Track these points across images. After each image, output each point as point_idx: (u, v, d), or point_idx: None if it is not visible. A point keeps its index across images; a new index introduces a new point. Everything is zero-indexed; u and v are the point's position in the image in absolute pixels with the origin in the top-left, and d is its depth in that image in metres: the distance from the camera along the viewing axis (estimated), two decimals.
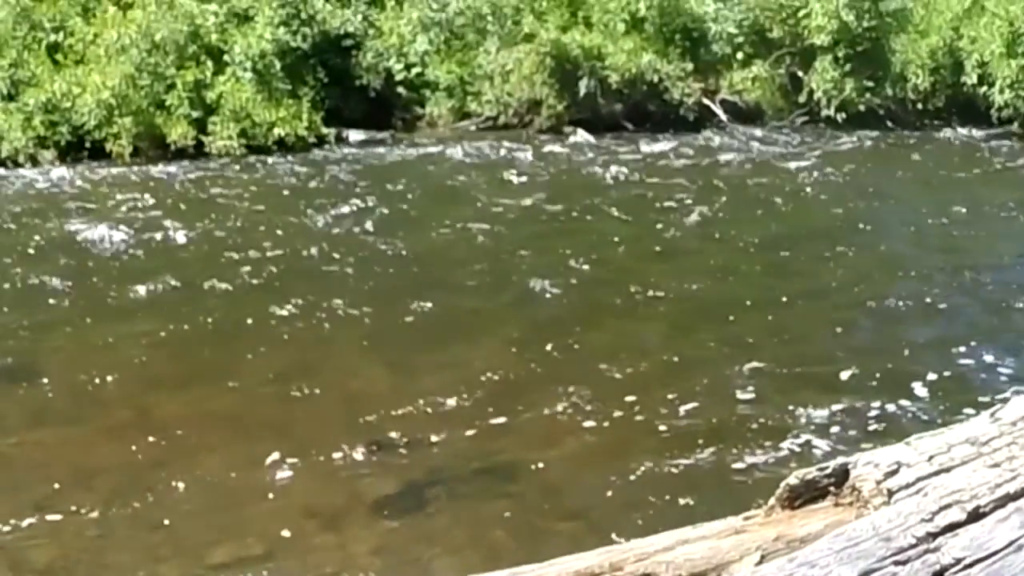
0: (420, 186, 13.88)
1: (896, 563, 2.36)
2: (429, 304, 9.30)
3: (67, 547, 5.85)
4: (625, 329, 8.87)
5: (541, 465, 6.63)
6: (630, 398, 7.31)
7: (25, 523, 5.99)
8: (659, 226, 11.73)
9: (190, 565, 5.70)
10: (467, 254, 10.85)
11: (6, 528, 5.95)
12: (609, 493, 6.22)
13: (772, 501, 2.85)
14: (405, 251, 10.88)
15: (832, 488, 2.78)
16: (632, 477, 6.37)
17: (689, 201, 12.66)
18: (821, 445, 6.62)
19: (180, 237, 11.40)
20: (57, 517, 6.06)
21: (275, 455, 6.60)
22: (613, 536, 5.46)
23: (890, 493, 2.64)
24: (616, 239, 11.38)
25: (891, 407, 7.13)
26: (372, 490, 6.33)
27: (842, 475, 2.79)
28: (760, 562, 2.39)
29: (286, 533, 5.91)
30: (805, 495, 2.76)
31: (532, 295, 9.60)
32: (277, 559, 5.70)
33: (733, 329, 8.65)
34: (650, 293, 9.53)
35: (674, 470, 6.44)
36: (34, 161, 15.80)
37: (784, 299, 9.36)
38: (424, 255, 10.80)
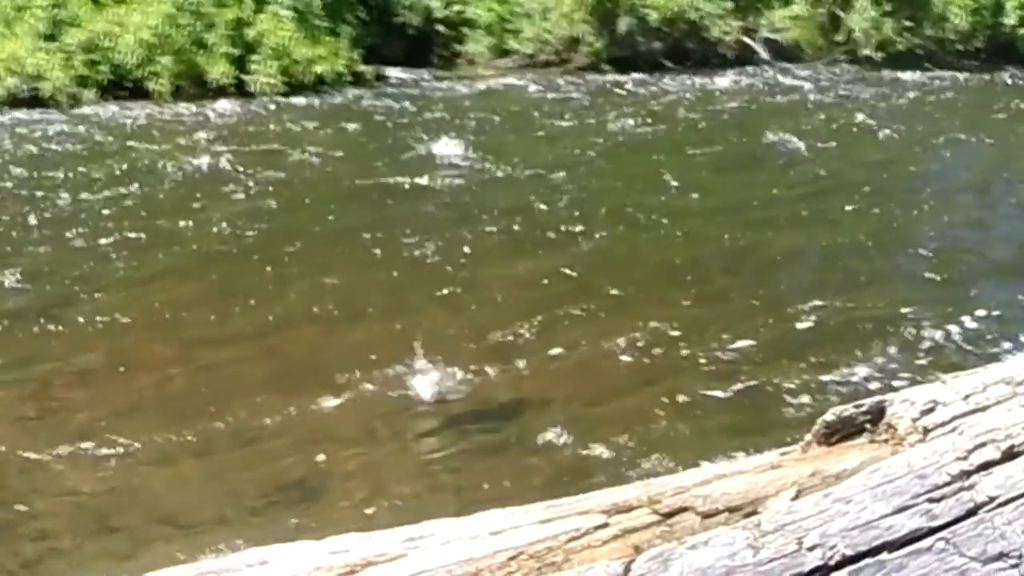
0: (460, 120, 13.83)
1: (930, 500, 2.38)
2: (468, 234, 9.28)
3: (105, 476, 5.90)
4: (662, 265, 8.82)
5: (581, 398, 6.63)
6: (673, 333, 7.28)
7: (65, 452, 6.05)
8: (703, 163, 11.63)
9: (226, 498, 5.74)
10: (506, 189, 10.80)
11: (46, 456, 5.99)
12: (644, 427, 6.22)
13: (808, 437, 2.86)
14: (439, 184, 10.84)
15: (868, 425, 2.79)
16: (669, 412, 6.36)
17: (730, 139, 12.56)
18: (863, 381, 6.57)
19: (224, 171, 11.39)
20: (96, 447, 6.10)
21: (313, 389, 6.61)
22: (647, 467, 5.52)
23: (925, 431, 2.65)
24: (656, 178, 11.30)
25: (936, 344, 7.05)
26: (411, 424, 6.36)
27: (878, 412, 2.80)
28: (796, 497, 2.41)
29: (321, 464, 5.95)
30: (841, 431, 2.77)
31: (578, 226, 9.56)
32: (311, 491, 5.74)
33: (773, 270, 8.60)
34: (691, 230, 9.46)
35: (710, 404, 6.42)
36: (75, 100, 15.82)
37: (827, 235, 9.28)
38: (456, 188, 10.74)
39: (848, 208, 10.10)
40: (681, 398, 6.54)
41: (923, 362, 6.84)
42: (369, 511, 5.49)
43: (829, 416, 2.75)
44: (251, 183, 10.89)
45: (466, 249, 9.12)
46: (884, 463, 2.44)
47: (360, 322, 7.77)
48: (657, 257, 8.98)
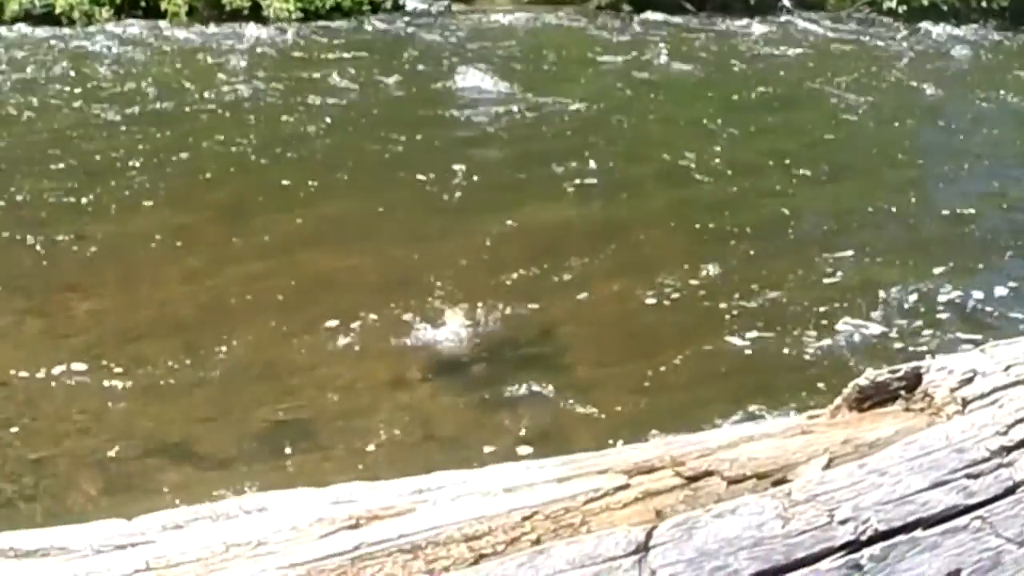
0: (479, 51, 13.62)
1: (968, 476, 2.26)
2: (491, 168, 9.14)
3: (104, 403, 5.79)
4: (689, 210, 8.65)
5: (600, 346, 6.53)
6: (699, 284, 7.16)
7: (65, 375, 5.96)
8: (732, 107, 11.43)
9: (232, 426, 5.65)
10: (532, 124, 10.61)
11: (46, 379, 5.90)
12: (668, 376, 6.10)
13: (839, 401, 2.75)
14: (462, 116, 10.68)
15: (903, 392, 2.67)
16: (694, 361, 6.25)
17: (758, 84, 12.35)
18: (895, 340, 6.45)
19: (238, 94, 11.24)
20: (97, 372, 6.00)
21: (325, 322, 6.50)
22: (666, 422, 5.41)
23: (964, 402, 2.53)
24: (683, 119, 11.10)
25: (976, 303, 6.93)
26: (422, 366, 6.23)
27: (914, 379, 2.68)
28: (828, 466, 2.29)
29: (328, 401, 5.86)
30: (875, 397, 2.66)
31: (605, 164, 9.42)
32: (315, 429, 5.64)
33: (802, 223, 8.43)
34: (721, 178, 9.29)
35: (738, 355, 6.31)
36: (88, 18, 15.62)
37: (860, 192, 9.11)
38: (479, 120, 10.58)
39: (880, 164, 9.91)
40: (706, 351, 6.40)
41: (956, 326, 6.68)
42: (373, 452, 5.38)
43: (863, 380, 2.63)
44: (263, 107, 10.74)
45: (488, 183, 8.95)
46: (921, 434, 2.33)
47: (375, 254, 7.64)
48: (685, 202, 8.77)
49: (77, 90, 11.04)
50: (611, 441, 4.99)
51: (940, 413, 2.51)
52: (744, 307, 6.90)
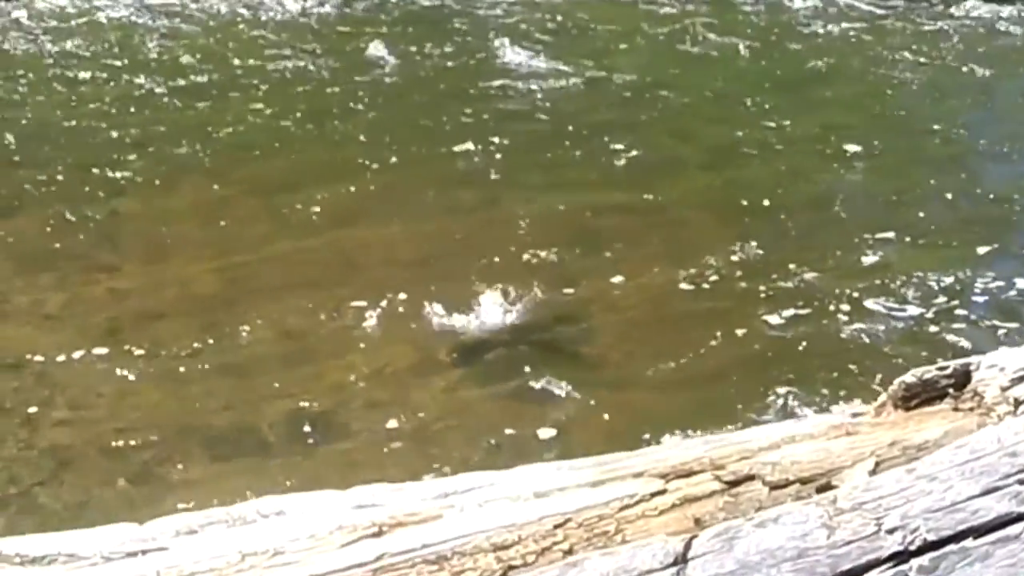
0: (524, 24, 13.38)
1: (1021, 481, 2.17)
2: (531, 142, 9.01)
3: (121, 386, 5.72)
4: (728, 188, 8.50)
5: (634, 329, 6.42)
6: (736, 263, 7.05)
7: (88, 356, 5.90)
8: (775, 80, 11.22)
9: (250, 412, 5.57)
10: (573, 98, 10.41)
11: (70, 360, 5.85)
12: (703, 363, 6.00)
13: (884, 398, 2.66)
14: (504, 87, 10.51)
15: (951, 390, 2.58)
16: (730, 347, 6.15)
17: (806, 61, 12.09)
18: (941, 327, 6.31)
19: (285, 68, 11.07)
20: (122, 355, 5.93)
21: (353, 302, 6.43)
22: (701, 409, 5.32)
23: (1016, 403, 2.44)
24: (724, 93, 10.87)
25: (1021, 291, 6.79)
26: (447, 346, 6.15)
27: (963, 377, 2.59)
28: (874, 470, 2.20)
29: (357, 385, 5.79)
30: (922, 395, 2.57)
31: (649, 137, 9.29)
32: (336, 420, 5.57)
33: (849, 200, 8.26)
34: (765, 152, 9.10)
35: (775, 341, 6.20)
36: None
37: (907, 172, 8.92)
38: (523, 93, 10.42)
39: (927, 142, 9.67)
40: (742, 336, 6.29)
41: (999, 313, 6.54)
42: (398, 442, 5.30)
43: (909, 378, 2.54)
44: (305, 80, 10.57)
45: (529, 159, 8.78)
46: (972, 438, 2.23)
47: (410, 232, 7.49)
48: (730, 181, 8.60)
49: (118, 63, 10.90)
50: (644, 435, 4.92)
51: (991, 413, 2.42)
52: (783, 289, 6.77)
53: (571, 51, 11.59)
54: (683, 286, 6.83)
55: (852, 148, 9.20)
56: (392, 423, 5.45)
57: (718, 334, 6.25)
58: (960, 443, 2.25)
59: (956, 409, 2.50)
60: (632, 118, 9.79)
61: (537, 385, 5.76)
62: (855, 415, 2.60)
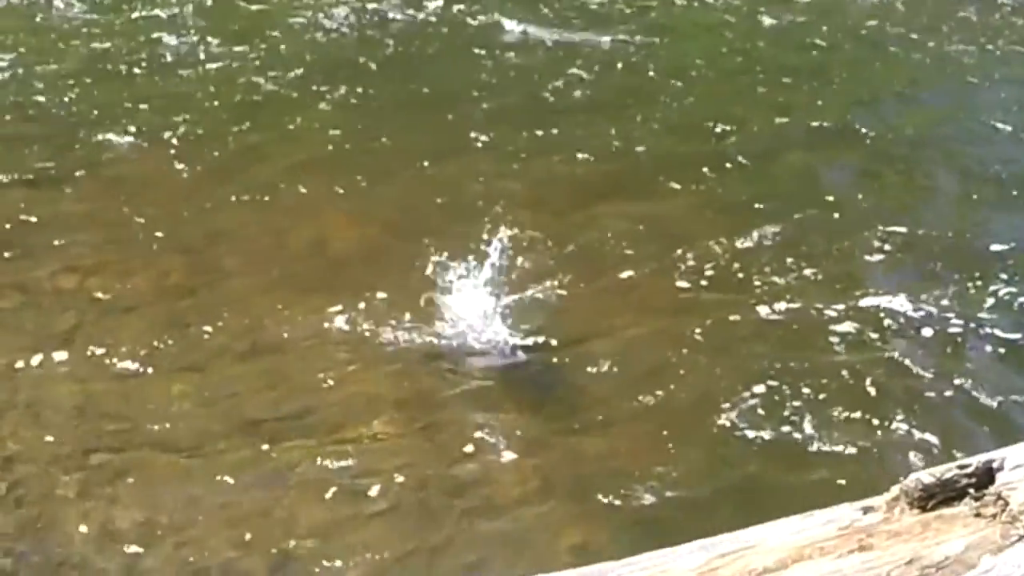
0: None
1: None
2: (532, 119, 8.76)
3: (90, 389, 5.57)
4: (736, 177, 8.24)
5: (623, 330, 6.25)
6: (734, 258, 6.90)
7: (49, 358, 5.72)
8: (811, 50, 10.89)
9: (221, 415, 5.44)
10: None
11: (30, 364, 5.68)
12: (691, 363, 5.90)
13: (896, 491, 2.49)
14: (497, 54, 10.21)
15: (972, 490, 2.40)
16: (719, 343, 6.06)
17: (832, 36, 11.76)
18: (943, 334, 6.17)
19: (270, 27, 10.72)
20: (83, 355, 5.77)
21: (325, 293, 6.29)
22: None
23: None
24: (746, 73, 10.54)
25: None
26: (426, 344, 5.96)
27: (985, 476, 2.42)
28: None
29: (327, 384, 5.65)
30: (939, 495, 2.39)
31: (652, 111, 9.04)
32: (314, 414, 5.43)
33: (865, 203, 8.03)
34: (785, 135, 8.84)
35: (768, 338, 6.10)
36: None
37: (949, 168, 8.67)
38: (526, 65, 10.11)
39: (975, 127, 9.31)
40: (734, 331, 6.19)
41: (1009, 324, 6.35)
42: (369, 445, 5.20)
43: (926, 477, 2.37)
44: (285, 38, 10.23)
45: (515, 132, 8.51)
46: (999, 560, 2.06)
47: (388, 214, 7.30)
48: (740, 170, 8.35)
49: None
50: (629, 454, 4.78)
51: (1016, 523, 2.25)
52: (778, 284, 6.60)
53: (574, 18, 11.23)
54: (681, 283, 6.66)
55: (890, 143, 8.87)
56: (363, 426, 5.36)
57: (709, 328, 6.13)
58: (986, 568, 2.08)
59: (978, 515, 2.33)
60: (636, 89, 9.45)
61: (515, 388, 5.68)
62: (867, 510, 2.43)
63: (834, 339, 6.16)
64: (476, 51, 9.92)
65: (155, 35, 9.80)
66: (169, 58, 9.43)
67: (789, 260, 6.87)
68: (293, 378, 5.72)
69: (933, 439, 5.37)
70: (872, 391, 5.71)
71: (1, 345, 5.83)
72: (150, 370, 5.69)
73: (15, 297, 6.27)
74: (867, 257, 7.06)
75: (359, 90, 8.94)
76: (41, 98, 8.48)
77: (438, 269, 6.36)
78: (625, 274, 6.70)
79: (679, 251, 6.88)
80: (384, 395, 5.62)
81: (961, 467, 2.37)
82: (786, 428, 5.41)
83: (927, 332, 6.27)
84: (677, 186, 7.78)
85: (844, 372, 5.87)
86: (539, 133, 8.39)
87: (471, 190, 7.59)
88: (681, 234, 7.14)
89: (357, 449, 5.21)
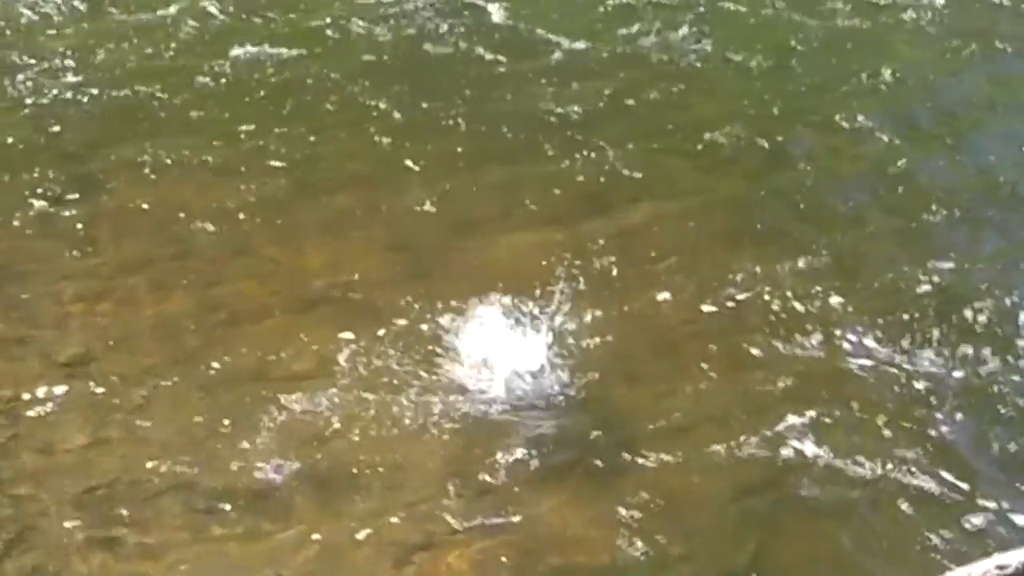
0: None
1: None
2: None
3: (88, 424, 5.52)
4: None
5: (627, 355, 6.19)
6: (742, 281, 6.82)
7: (44, 392, 5.67)
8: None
9: (226, 461, 5.35)
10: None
11: (22, 398, 5.63)
12: (703, 392, 5.86)
13: None
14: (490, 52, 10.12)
15: None
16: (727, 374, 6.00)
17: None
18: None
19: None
20: (81, 386, 5.74)
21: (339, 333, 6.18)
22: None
23: None
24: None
25: None
26: (445, 392, 5.86)
27: None
28: None
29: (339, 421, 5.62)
30: None
31: None
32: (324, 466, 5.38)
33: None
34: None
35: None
36: None
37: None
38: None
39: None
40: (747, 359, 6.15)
41: None
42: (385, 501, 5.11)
43: None
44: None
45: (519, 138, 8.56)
46: None
47: (387, 236, 7.25)
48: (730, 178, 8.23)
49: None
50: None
51: None
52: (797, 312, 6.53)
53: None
54: (689, 311, 6.58)
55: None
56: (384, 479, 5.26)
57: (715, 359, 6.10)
58: None
59: None
60: (635, 92, 9.37)
61: (514, 418, 5.63)
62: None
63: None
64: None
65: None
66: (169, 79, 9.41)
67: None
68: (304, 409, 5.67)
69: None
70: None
71: (5, 375, 5.80)
72: (160, 402, 5.65)
73: (20, 327, 6.26)
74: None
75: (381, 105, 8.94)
76: (50, 119, 8.49)
77: (456, 295, 6.38)
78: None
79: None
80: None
81: (1000, 567, 2.31)
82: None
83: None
84: None
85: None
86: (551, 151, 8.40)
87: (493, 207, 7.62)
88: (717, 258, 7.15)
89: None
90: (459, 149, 8.23)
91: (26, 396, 5.63)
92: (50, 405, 5.59)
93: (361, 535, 4.92)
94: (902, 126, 8.96)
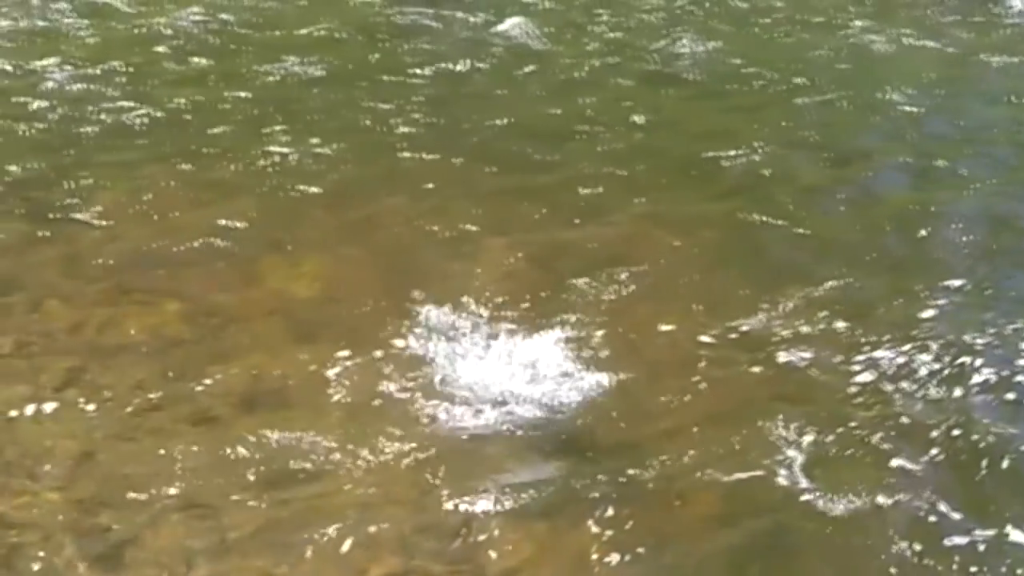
0: None
1: None
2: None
3: (79, 443, 5.42)
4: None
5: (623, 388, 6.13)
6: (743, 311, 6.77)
7: (36, 409, 5.62)
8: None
9: (218, 477, 5.27)
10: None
11: (24, 414, 5.57)
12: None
13: None
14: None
15: None
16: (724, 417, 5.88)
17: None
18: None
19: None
20: (74, 402, 5.68)
21: (331, 352, 6.13)
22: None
23: None
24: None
25: None
26: (422, 408, 5.81)
27: None
28: None
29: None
30: None
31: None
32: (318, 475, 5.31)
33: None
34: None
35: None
36: None
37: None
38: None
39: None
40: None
41: None
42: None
43: None
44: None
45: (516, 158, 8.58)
46: None
47: (375, 243, 7.26)
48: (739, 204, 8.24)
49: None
50: None
51: None
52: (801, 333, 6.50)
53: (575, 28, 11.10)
54: (688, 337, 6.52)
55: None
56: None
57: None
58: None
59: None
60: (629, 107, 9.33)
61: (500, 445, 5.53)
62: None
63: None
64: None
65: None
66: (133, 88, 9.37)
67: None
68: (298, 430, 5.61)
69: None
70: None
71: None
72: (150, 421, 5.59)
73: (6, 343, 6.21)
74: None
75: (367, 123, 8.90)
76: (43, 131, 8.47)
77: (447, 316, 6.36)
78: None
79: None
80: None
81: None
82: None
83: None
84: None
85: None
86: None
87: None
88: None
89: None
90: (455, 160, 8.27)
91: (13, 413, 5.57)
92: (38, 422, 5.53)
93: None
94: (908, 152, 9.04)
